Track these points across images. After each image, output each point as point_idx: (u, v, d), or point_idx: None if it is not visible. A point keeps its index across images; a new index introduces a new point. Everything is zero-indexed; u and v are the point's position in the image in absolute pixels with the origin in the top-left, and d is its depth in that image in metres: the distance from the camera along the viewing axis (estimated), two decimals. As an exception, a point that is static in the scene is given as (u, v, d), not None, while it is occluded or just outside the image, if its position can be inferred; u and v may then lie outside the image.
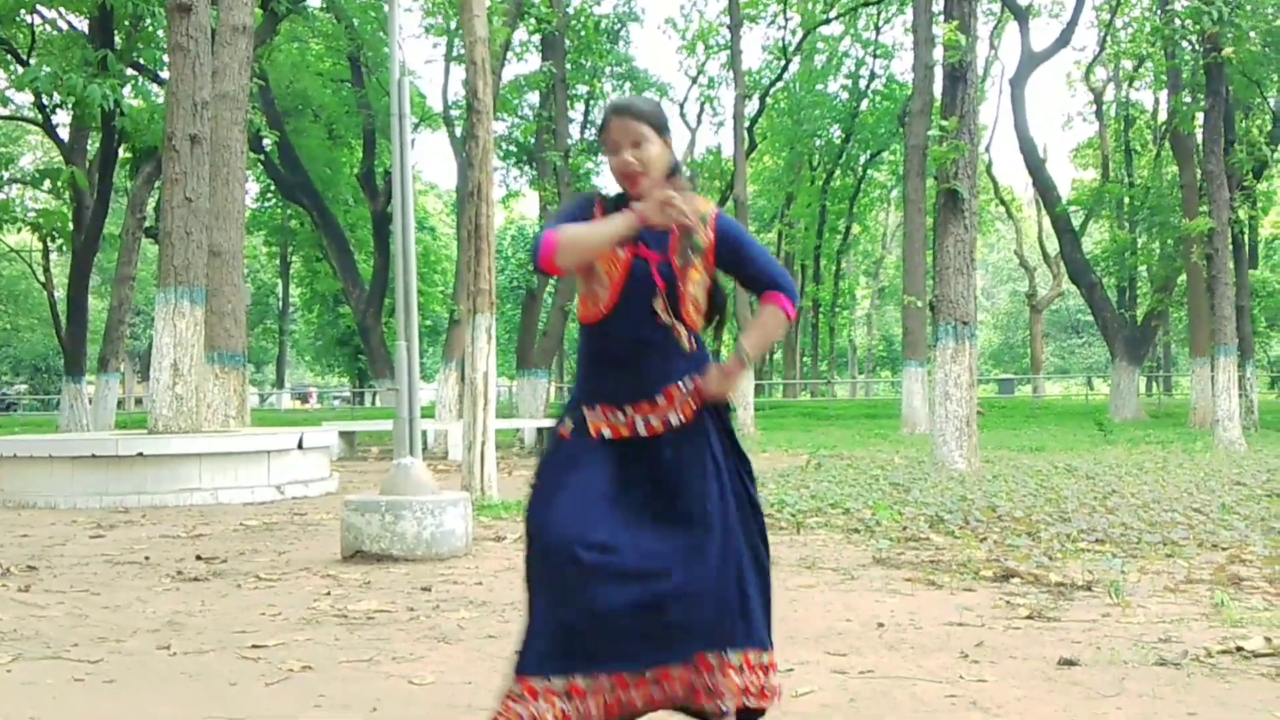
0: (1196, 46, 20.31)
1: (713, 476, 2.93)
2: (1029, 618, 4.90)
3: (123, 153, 24.60)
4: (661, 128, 2.99)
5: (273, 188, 37.16)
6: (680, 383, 2.95)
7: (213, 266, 12.89)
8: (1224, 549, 6.62)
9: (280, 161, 31.70)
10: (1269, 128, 28.85)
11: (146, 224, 24.28)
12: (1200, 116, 20.39)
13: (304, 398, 64.75)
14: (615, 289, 2.96)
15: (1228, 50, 18.51)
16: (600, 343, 3.02)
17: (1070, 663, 4.08)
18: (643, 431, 2.94)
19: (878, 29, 40.65)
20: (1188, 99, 23.75)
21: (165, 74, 16.60)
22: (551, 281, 28.33)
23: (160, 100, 20.70)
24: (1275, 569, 5.93)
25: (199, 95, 12.02)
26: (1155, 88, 33.50)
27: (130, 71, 22.13)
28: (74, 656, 4.35)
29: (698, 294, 2.99)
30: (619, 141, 2.96)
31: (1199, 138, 21.83)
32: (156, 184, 22.17)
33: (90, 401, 24.30)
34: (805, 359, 52.65)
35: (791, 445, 19.09)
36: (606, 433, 2.95)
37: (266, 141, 27.94)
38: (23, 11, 22.73)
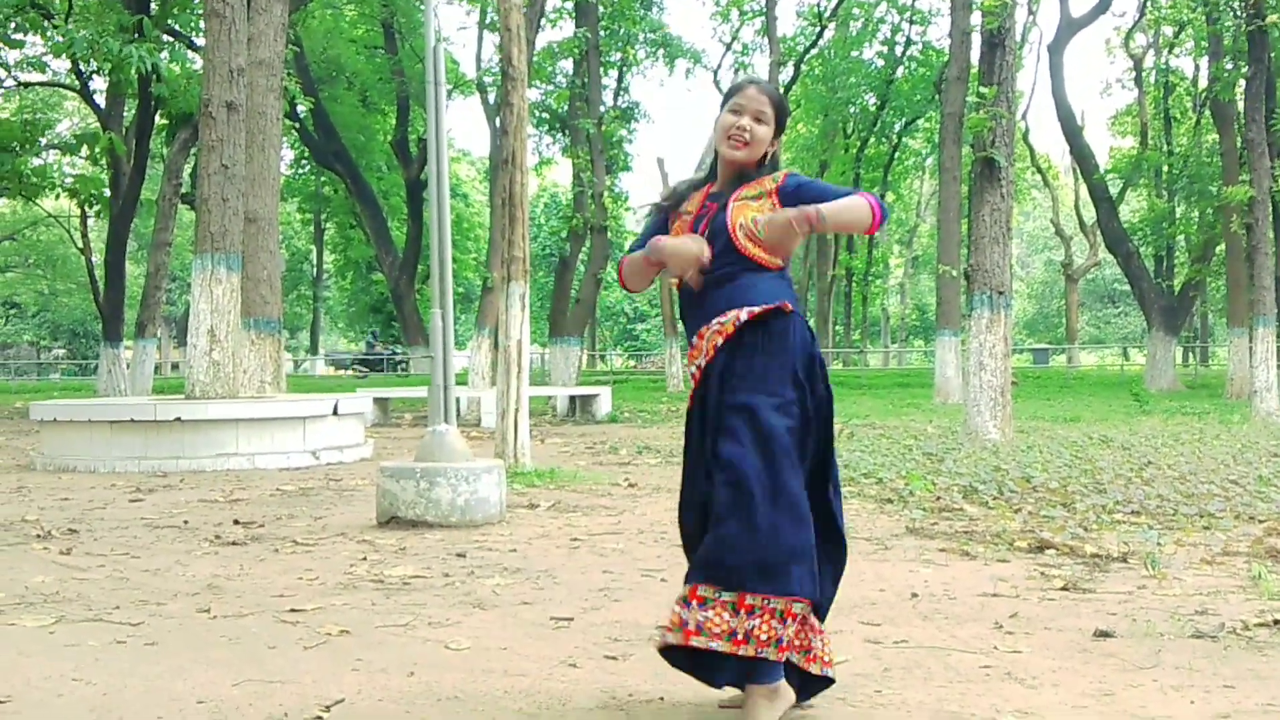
0: (1239, 12, 20.04)
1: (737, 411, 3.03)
2: (1064, 589, 4.89)
3: (159, 119, 24.69)
4: (782, 120, 3.23)
5: (307, 154, 37.28)
6: (728, 312, 3.07)
7: (248, 233, 12.95)
8: (1261, 521, 6.58)
9: (314, 128, 31.79)
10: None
11: (183, 190, 24.43)
12: (1242, 84, 20.13)
13: (342, 365, 64.62)
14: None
15: (1272, 17, 18.24)
16: (682, 294, 3.23)
17: (1105, 634, 4.06)
18: (702, 361, 3.10)
19: (914, -6, 40.24)
20: (1229, 66, 23.42)
21: (201, 40, 16.64)
22: (584, 249, 28.31)
23: (196, 66, 20.75)
24: (1313, 542, 5.88)
25: (235, 61, 12.05)
26: (1196, 54, 33.06)
27: (166, 38, 22.18)
28: (116, 619, 4.41)
29: (754, 227, 3.09)
30: (745, 106, 3.18)
31: (1240, 105, 21.56)
32: (193, 150, 22.29)
33: (128, 367, 24.52)
34: (837, 328, 52.47)
35: (824, 414, 19.03)
36: (690, 382, 3.19)
37: (301, 108, 27.96)
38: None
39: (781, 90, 32.36)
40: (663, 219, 3.36)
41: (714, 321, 3.07)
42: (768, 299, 3.05)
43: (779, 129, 3.23)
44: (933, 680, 3.56)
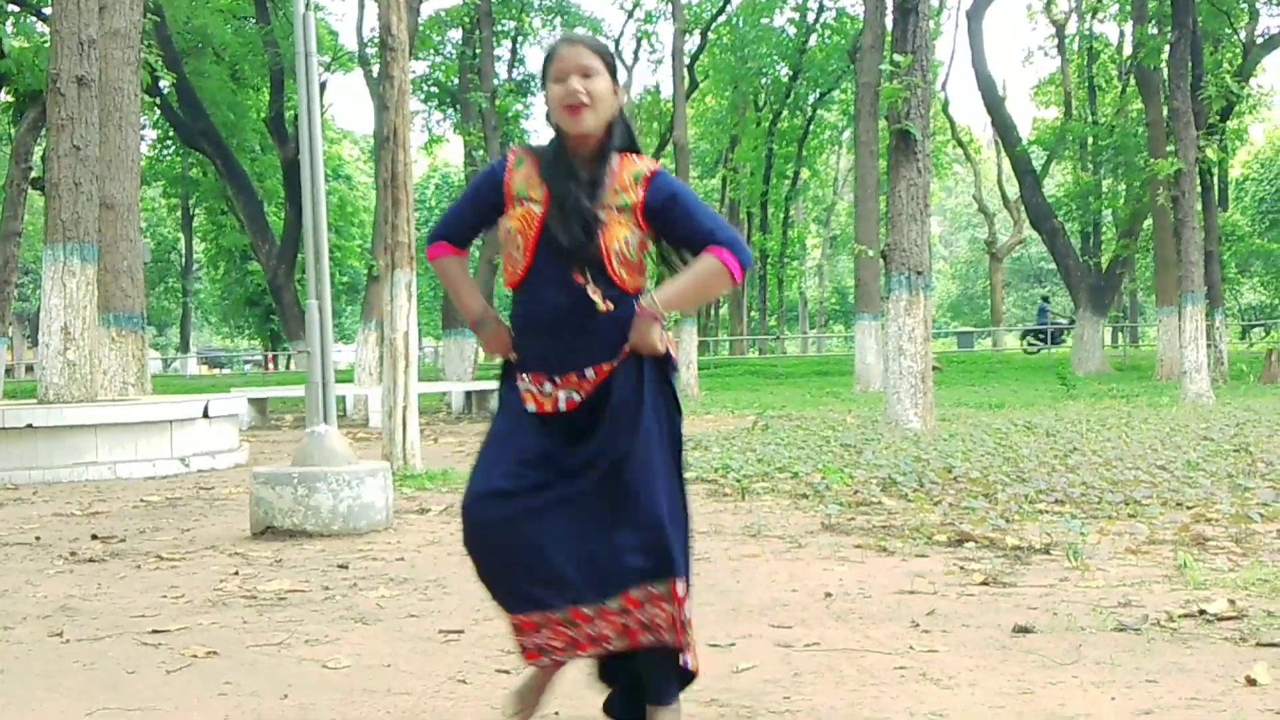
0: (1163, -25, 20.44)
1: (634, 422, 2.96)
2: (984, 584, 4.98)
3: (4, 96, 24.07)
4: (612, 68, 2.98)
5: (171, 134, 36.57)
6: (612, 361, 2.97)
7: (105, 221, 12.68)
8: (1189, 508, 6.75)
9: (179, 105, 31.15)
10: (1239, 62, 29.15)
11: (32, 174, 23.80)
12: (1167, 50, 20.59)
13: (216, 364, 63.58)
14: (530, 249, 2.99)
15: (1196, -21, 18.67)
16: (524, 307, 3.05)
17: (1025, 630, 4.15)
18: (563, 407, 2.99)
19: (827, -43, 40.59)
20: (1154, 30, 23.97)
21: (49, 9, 16.24)
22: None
23: (45, 39, 20.26)
24: (1241, 528, 6.07)
25: (85, 32, 11.75)
26: (1120, 19, 33.82)
27: (11, 6, 21.64)
28: (-44, 647, 4.30)
29: (627, 250, 2.96)
30: (566, 69, 2.92)
31: (1165, 73, 22.07)
32: (42, 131, 21.72)
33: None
34: (753, 314, 52.81)
35: (737, 406, 19.19)
36: (531, 406, 3.01)
37: (163, 83, 27.42)
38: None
39: (688, 59, 32.52)
40: (495, 197, 3.08)
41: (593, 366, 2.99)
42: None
43: (614, 72, 2.98)
44: (845, 684, 3.61)
